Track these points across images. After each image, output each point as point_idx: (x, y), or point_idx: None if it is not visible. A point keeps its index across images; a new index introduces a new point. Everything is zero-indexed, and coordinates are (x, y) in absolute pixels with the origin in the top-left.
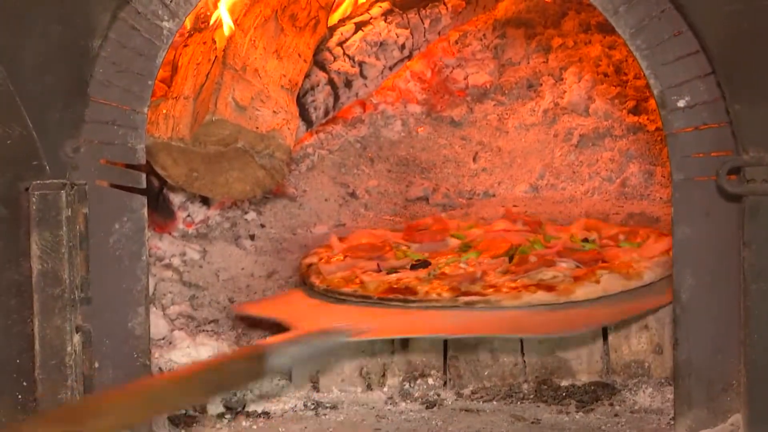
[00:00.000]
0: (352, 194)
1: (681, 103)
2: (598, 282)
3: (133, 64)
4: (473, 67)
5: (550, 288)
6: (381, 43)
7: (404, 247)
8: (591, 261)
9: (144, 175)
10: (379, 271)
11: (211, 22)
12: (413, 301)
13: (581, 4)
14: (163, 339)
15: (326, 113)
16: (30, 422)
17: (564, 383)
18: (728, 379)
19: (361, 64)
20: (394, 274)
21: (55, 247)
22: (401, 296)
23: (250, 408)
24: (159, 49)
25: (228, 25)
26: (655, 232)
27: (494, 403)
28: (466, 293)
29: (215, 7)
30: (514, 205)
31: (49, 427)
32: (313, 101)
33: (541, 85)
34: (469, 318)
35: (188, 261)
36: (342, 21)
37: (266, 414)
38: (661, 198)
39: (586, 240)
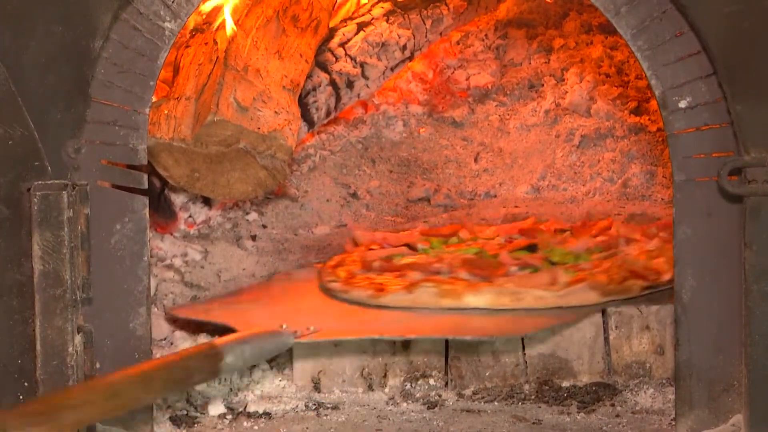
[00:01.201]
0: (354, 195)
1: (682, 104)
2: (411, 293)
3: (135, 65)
4: (475, 67)
5: (380, 289)
6: (382, 44)
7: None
8: (487, 276)
9: (145, 176)
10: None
11: (215, 25)
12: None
13: (583, 4)
14: (164, 339)
15: (328, 114)
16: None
17: (565, 384)
18: (729, 380)
19: (362, 64)
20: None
21: (57, 247)
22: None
23: (252, 408)
24: (161, 50)
25: (230, 25)
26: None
27: (495, 403)
28: (342, 282)
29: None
30: (516, 206)
31: (15, 422)
32: (315, 102)
33: (543, 85)
34: (426, 321)
35: (190, 261)
36: (344, 22)
37: (267, 414)
38: (662, 199)
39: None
